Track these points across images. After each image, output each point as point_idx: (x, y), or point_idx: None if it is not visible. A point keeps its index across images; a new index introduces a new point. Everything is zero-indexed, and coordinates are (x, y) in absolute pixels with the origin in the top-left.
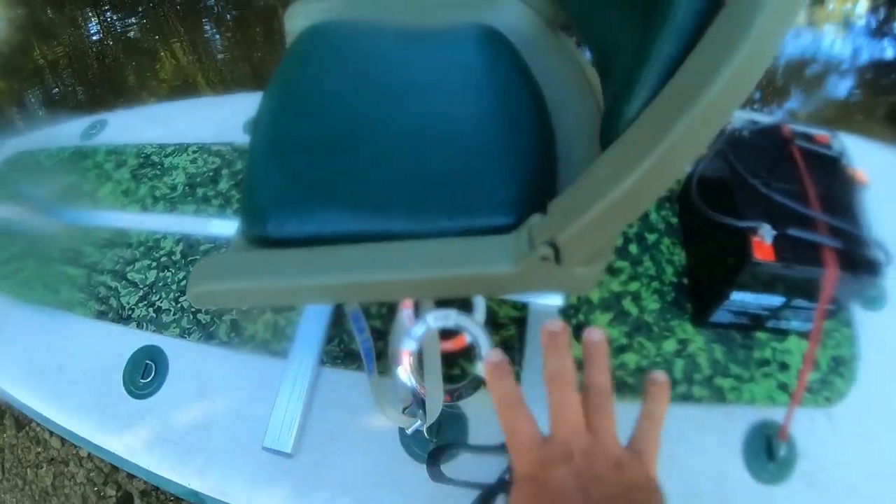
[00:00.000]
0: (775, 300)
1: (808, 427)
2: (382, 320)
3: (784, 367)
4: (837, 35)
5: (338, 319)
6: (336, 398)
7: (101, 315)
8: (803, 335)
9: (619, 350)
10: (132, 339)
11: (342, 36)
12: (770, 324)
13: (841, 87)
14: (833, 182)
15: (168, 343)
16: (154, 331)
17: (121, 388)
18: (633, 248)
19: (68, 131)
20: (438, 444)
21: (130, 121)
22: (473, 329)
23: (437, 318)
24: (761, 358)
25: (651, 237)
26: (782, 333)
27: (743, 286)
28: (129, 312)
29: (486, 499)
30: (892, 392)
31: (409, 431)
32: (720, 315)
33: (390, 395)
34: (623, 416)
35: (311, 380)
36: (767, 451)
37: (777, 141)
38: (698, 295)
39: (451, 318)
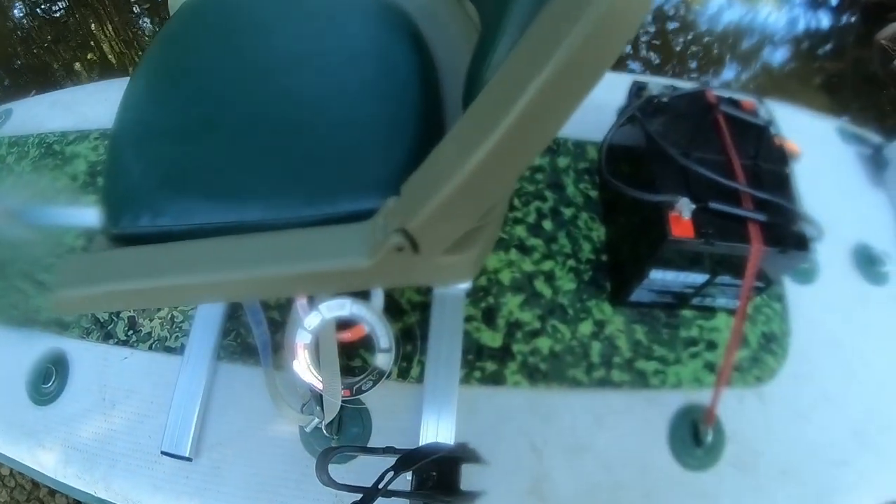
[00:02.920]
0: (698, 278)
1: (736, 408)
2: (280, 311)
3: (712, 346)
4: (774, 6)
5: (235, 312)
6: (235, 396)
7: (7, 321)
8: (732, 312)
9: (531, 335)
10: (35, 343)
11: (221, 10)
12: (696, 301)
13: (777, 57)
14: (760, 152)
15: (70, 345)
16: (57, 332)
17: (24, 396)
18: (548, 225)
19: None
20: (339, 442)
21: (35, 109)
22: (370, 318)
23: (331, 308)
24: (687, 337)
25: (567, 212)
26: (709, 311)
27: (662, 264)
28: (34, 316)
29: (365, 501)
30: (825, 367)
31: (307, 429)
32: (640, 294)
33: (288, 391)
34: (539, 404)
35: (208, 378)
36: (694, 437)
37: (700, 108)
38: (618, 273)
39: (346, 307)
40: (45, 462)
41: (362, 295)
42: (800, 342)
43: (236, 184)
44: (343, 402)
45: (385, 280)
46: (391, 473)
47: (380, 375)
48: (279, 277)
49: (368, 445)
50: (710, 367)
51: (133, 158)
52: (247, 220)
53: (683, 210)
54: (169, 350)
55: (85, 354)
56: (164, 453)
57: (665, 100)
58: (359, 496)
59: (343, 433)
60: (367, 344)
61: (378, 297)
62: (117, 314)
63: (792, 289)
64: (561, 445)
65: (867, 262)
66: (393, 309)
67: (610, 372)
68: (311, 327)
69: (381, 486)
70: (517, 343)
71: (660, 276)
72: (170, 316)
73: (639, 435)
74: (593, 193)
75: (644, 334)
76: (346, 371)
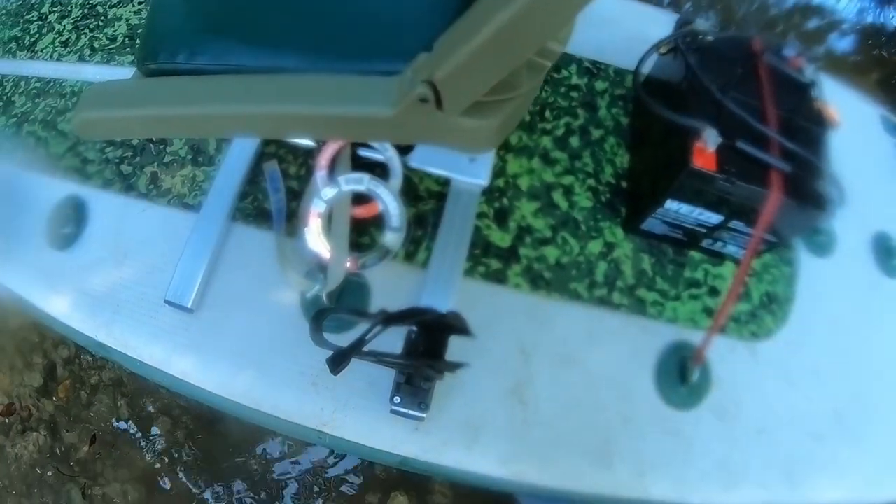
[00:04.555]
0: (713, 217)
1: (727, 357)
2: (300, 181)
3: (714, 292)
4: None
5: (255, 177)
6: (243, 256)
7: (29, 164)
8: (739, 263)
9: (540, 242)
10: (56, 189)
11: None
12: (706, 243)
13: (839, 43)
14: (798, 108)
15: (90, 194)
16: (79, 181)
17: (43, 239)
18: (575, 141)
19: None
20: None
21: None
22: (386, 196)
23: (349, 181)
24: (691, 278)
25: (596, 133)
26: (718, 257)
27: (679, 194)
28: (56, 162)
29: (341, 355)
30: (821, 342)
31: (308, 295)
32: (653, 224)
33: (295, 257)
34: (536, 310)
35: (220, 235)
36: (681, 374)
37: (743, 53)
38: (635, 200)
39: (363, 182)
40: (55, 304)
41: (381, 174)
42: (802, 311)
43: (276, 31)
44: (347, 275)
45: (405, 133)
46: (378, 327)
47: (386, 253)
48: (304, 116)
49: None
50: (708, 311)
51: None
52: (281, 65)
53: (709, 141)
54: (186, 206)
55: (104, 203)
56: (167, 302)
57: (709, 38)
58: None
59: (342, 303)
60: (378, 223)
61: (396, 178)
62: (141, 167)
63: (805, 257)
64: (550, 353)
65: (885, 252)
66: (410, 194)
67: (611, 293)
68: (328, 198)
69: (366, 338)
70: (525, 247)
71: (675, 208)
72: (192, 174)
73: (627, 359)
74: (624, 120)
75: (650, 265)
76: (355, 246)
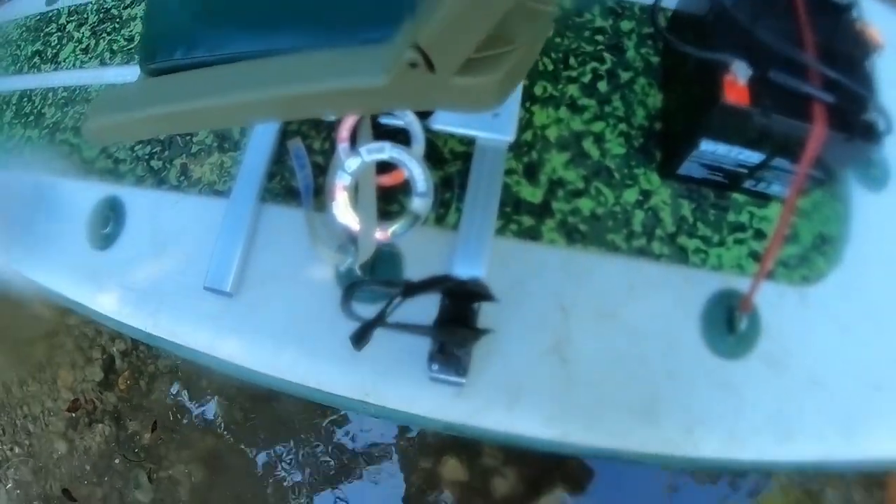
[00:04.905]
0: (753, 156)
1: (776, 304)
2: (325, 156)
3: (760, 235)
4: None
5: (280, 156)
6: (276, 236)
7: (65, 171)
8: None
9: (573, 194)
10: (93, 191)
11: None
12: (748, 184)
13: None
14: (836, 33)
15: (125, 192)
16: (113, 182)
17: (85, 242)
18: (603, 86)
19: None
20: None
21: None
22: (409, 163)
23: (370, 151)
24: (736, 221)
25: (625, 75)
26: (763, 198)
27: (714, 134)
28: (90, 166)
29: (363, 330)
30: (878, 283)
31: (341, 269)
32: (691, 167)
33: (326, 232)
34: (572, 264)
35: (252, 217)
36: (728, 323)
37: None
38: (670, 143)
39: (385, 150)
40: (104, 303)
41: (404, 140)
42: (856, 250)
43: (266, 13)
44: (378, 245)
45: (404, 100)
46: (398, 299)
47: (415, 219)
48: (302, 96)
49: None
50: (754, 256)
51: None
52: (275, 47)
53: (739, 73)
54: (217, 193)
55: (139, 200)
56: (206, 289)
57: None
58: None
59: (375, 275)
60: (405, 189)
61: (419, 143)
62: (171, 161)
63: (858, 192)
64: (590, 308)
65: None
66: (434, 157)
67: (651, 243)
68: (351, 169)
69: (386, 310)
70: (558, 201)
71: (711, 149)
72: (219, 161)
73: (671, 311)
74: (654, 59)
75: (690, 211)
76: (384, 215)
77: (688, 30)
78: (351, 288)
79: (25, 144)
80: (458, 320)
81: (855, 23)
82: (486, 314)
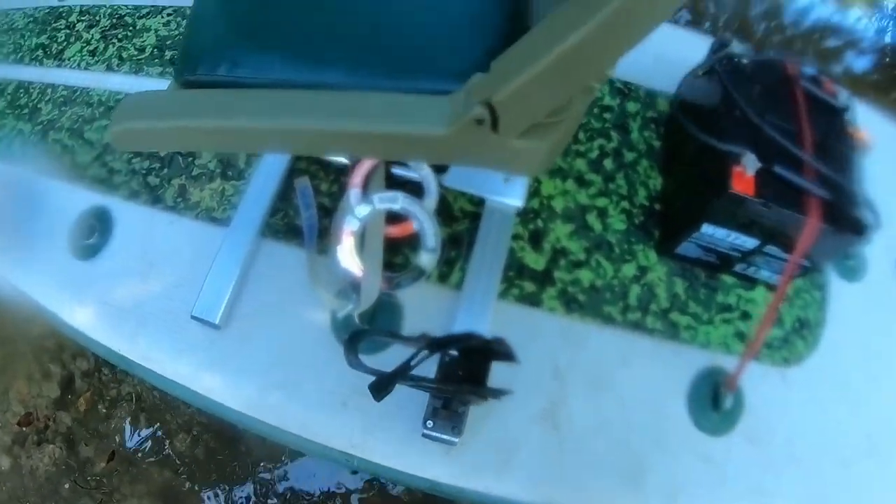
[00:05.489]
0: (748, 242)
1: (759, 383)
2: (332, 198)
3: (746, 316)
4: (864, 14)
5: (286, 193)
6: (273, 273)
7: (54, 172)
8: (771, 287)
9: (575, 265)
10: (82, 198)
11: None
12: (739, 268)
13: (858, 63)
14: (832, 133)
15: (115, 204)
16: (104, 191)
17: (65, 248)
18: (608, 164)
19: None
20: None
21: None
22: (421, 215)
23: (383, 200)
24: (724, 302)
25: (629, 155)
26: (750, 281)
27: (715, 218)
28: (82, 171)
29: (386, 381)
30: (852, 366)
31: (339, 315)
32: (688, 248)
33: (327, 276)
34: (570, 332)
35: (250, 251)
36: (713, 399)
37: (779, 77)
38: (669, 223)
39: (398, 200)
40: (78, 316)
41: (415, 193)
42: (833, 336)
43: (320, 45)
44: (380, 294)
45: (456, 155)
46: (424, 352)
47: (420, 273)
48: (351, 134)
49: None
50: (740, 336)
51: (219, 9)
52: (324, 80)
53: (748, 165)
54: (215, 220)
55: (130, 215)
56: (193, 317)
57: (745, 61)
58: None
59: (374, 324)
60: (412, 243)
61: (431, 197)
62: (169, 180)
63: (835, 281)
64: (583, 375)
65: None
66: (444, 213)
67: (645, 317)
68: (362, 215)
69: (411, 363)
70: (560, 270)
71: (710, 232)
72: (221, 188)
73: (660, 384)
74: (656, 143)
75: (683, 289)
76: (388, 266)
77: (693, 117)
78: (357, 336)
79: (15, 137)
80: (472, 378)
81: (848, 124)
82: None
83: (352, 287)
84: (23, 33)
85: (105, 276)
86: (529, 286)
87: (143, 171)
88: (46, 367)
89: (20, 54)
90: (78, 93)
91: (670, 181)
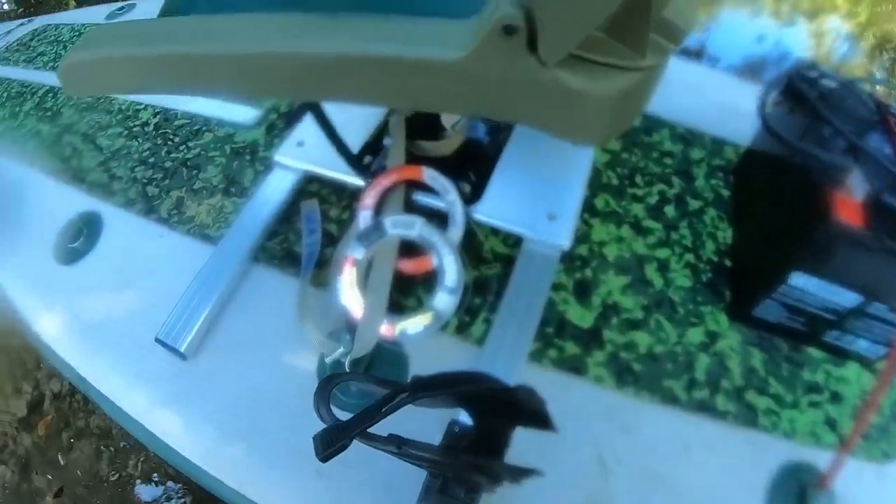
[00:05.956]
0: (848, 298)
1: (853, 482)
2: (341, 226)
3: (837, 398)
4: None
5: (290, 216)
6: (259, 302)
7: (57, 173)
8: (867, 363)
9: (629, 325)
10: (76, 201)
11: None
12: (830, 337)
13: None
14: None
15: (108, 210)
16: (100, 196)
17: (48, 248)
18: (670, 211)
19: (98, 11)
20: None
21: (158, 4)
22: (442, 248)
23: (397, 224)
24: (811, 381)
25: (694, 203)
26: (840, 355)
27: (810, 264)
28: (83, 175)
29: (338, 432)
30: None
31: (328, 359)
32: (769, 308)
33: (321, 311)
34: (620, 411)
35: (236, 274)
36: (799, 502)
37: (867, 101)
38: (742, 281)
39: (415, 227)
40: (44, 322)
41: (439, 221)
42: None
43: None
44: (381, 340)
45: (484, 95)
46: (402, 397)
47: (435, 319)
48: (334, 59)
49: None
50: (830, 423)
51: None
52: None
53: (856, 187)
54: (206, 238)
55: (121, 223)
56: (157, 340)
57: (828, 83)
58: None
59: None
60: (429, 282)
61: (457, 228)
62: (168, 191)
63: None
64: (635, 468)
65: None
66: (470, 253)
67: (714, 396)
68: (369, 241)
69: (382, 410)
70: (610, 330)
71: (801, 284)
72: (220, 205)
73: (732, 482)
74: (725, 192)
75: (761, 362)
76: (395, 306)
77: (766, 168)
78: (331, 380)
79: (32, 137)
80: (485, 448)
81: None
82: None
83: (347, 328)
84: (66, 45)
85: (80, 284)
86: (571, 348)
87: (144, 180)
88: (19, 383)
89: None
90: (102, 101)
91: (743, 234)
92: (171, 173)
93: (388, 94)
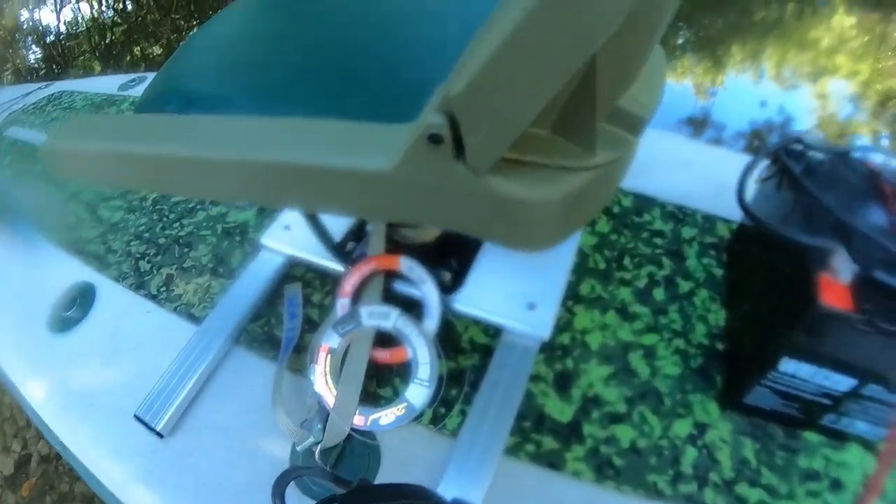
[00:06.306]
0: (842, 381)
1: None
2: (322, 311)
3: (837, 485)
4: None
5: (274, 299)
6: (238, 385)
7: (58, 241)
8: (869, 445)
9: (611, 419)
10: (73, 270)
11: None
12: (828, 420)
13: None
14: None
15: (102, 283)
16: (95, 268)
17: (42, 315)
18: (659, 294)
19: (111, 81)
20: (330, 477)
21: None
22: (415, 339)
23: (373, 315)
24: (808, 469)
25: (685, 285)
26: (840, 438)
27: (799, 350)
28: (83, 245)
29: None
30: None
31: (299, 448)
32: (760, 395)
33: (295, 400)
34: None
35: (216, 356)
36: None
37: (859, 170)
38: (735, 365)
39: (390, 317)
40: (32, 388)
41: (414, 312)
42: None
43: (287, 80)
44: (352, 430)
45: (416, 208)
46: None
47: (408, 412)
48: (284, 166)
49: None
50: None
51: (199, 51)
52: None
53: (841, 268)
54: (192, 318)
55: (112, 296)
56: (136, 417)
57: (816, 155)
58: None
59: (340, 468)
60: (405, 373)
61: (432, 319)
62: (159, 268)
63: None
64: None
65: None
66: (449, 343)
67: (703, 489)
68: (344, 330)
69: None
70: (591, 424)
71: (792, 370)
72: (207, 284)
73: None
74: (718, 272)
75: (753, 452)
76: (370, 397)
77: (756, 245)
78: (287, 476)
79: (41, 199)
80: None
81: None
82: None
83: (320, 417)
84: (78, 112)
85: (69, 353)
86: (550, 442)
87: (138, 255)
88: (9, 440)
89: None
90: None
91: (736, 314)
92: (164, 250)
93: (330, 202)
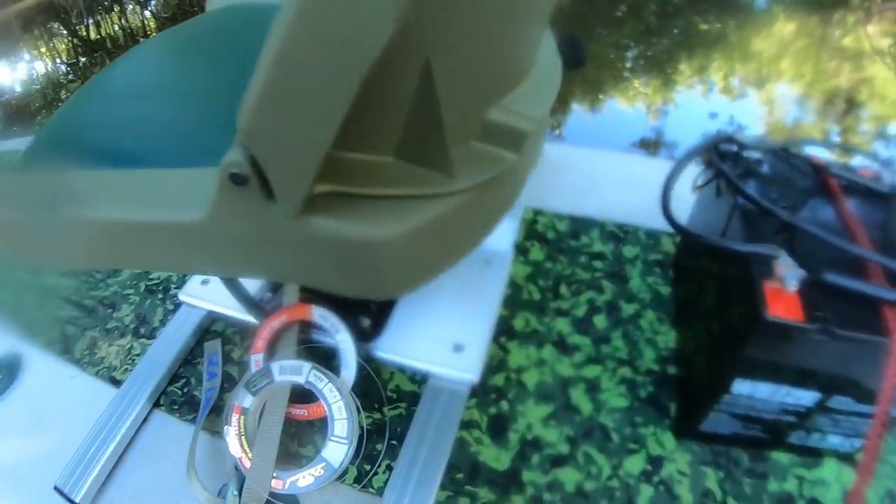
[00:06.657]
0: (804, 396)
1: None
2: (242, 368)
3: None
4: None
5: (194, 357)
6: (158, 451)
7: None
8: (846, 457)
9: (553, 462)
10: (4, 341)
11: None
12: (795, 438)
13: None
14: (889, 223)
15: (30, 352)
16: (25, 337)
17: None
18: (600, 321)
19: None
20: None
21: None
22: (329, 394)
23: (283, 370)
24: (780, 492)
25: (628, 308)
26: (813, 454)
27: (750, 369)
28: (18, 315)
29: None
30: None
31: None
32: (717, 421)
33: (215, 461)
34: None
35: (134, 422)
36: None
37: (805, 171)
38: (689, 390)
39: (303, 372)
40: None
41: (329, 364)
42: None
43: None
44: (271, 495)
45: (245, 257)
46: None
47: (327, 472)
48: (105, 222)
49: None
50: None
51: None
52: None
53: (787, 275)
54: (114, 381)
55: (39, 364)
56: (56, 489)
57: (757, 155)
58: None
59: None
60: (326, 429)
61: (348, 370)
62: (84, 330)
63: None
64: None
65: None
66: (373, 394)
67: None
68: (256, 388)
69: None
70: (531, 470)
71: (747, 391)
72: (129, 346)
73: None
74: (664, 290)
75: (717, 482)
76: (289, 457)
77: (701, 258)
78: None
79: None
80: None
81: None
82: None
83: (235, 481)
84: None
85: None
86: (486, 494)
87: (65, 320)
88: None
89: None
90: None
91: (686, 335)
92: (89, 312)
93: (163, 260)
